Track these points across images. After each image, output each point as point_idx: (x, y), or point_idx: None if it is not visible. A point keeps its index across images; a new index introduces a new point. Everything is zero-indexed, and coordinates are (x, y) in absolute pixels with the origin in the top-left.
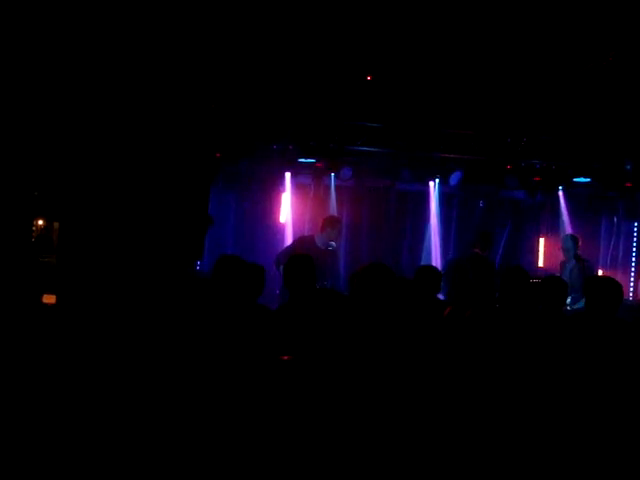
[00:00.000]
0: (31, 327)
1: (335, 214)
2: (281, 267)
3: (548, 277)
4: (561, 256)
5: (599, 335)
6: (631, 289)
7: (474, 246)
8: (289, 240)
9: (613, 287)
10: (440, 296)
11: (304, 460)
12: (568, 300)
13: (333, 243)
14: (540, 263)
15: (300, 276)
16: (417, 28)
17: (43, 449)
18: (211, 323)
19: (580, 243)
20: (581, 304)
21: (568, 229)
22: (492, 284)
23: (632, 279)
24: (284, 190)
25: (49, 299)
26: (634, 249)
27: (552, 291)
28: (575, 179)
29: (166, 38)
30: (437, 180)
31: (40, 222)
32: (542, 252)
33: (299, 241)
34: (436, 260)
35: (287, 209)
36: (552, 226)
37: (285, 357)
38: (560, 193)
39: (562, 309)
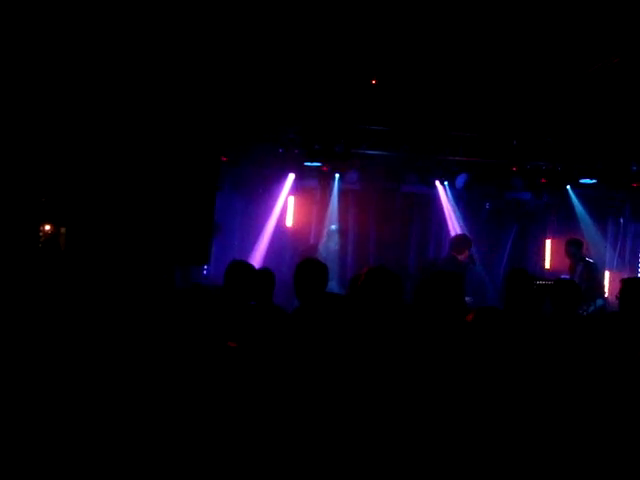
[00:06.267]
0: (40, 330)
1: (336, 218)
2: None
3: (560, 280)
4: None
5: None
6: None
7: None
8: (295, 243)
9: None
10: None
11: (311, 462)
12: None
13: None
14: (547, 265)
15: (310, 281)
16: (422, 32)
17: (46, 449)
18: (223, 327)
19: (584, 246)
20: (594, 306)
21: (581, 226)
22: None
23: None
24: (290, 193)
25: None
26: None
27: (565, 294)
28: (581, 180)
29: (173, 45)
30: (445, 182)
31: (47, 227)
32: (549, 254)
33: (303, 252)
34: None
35: (292, 212)
36: (559, 227)
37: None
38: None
39: (576, 312)
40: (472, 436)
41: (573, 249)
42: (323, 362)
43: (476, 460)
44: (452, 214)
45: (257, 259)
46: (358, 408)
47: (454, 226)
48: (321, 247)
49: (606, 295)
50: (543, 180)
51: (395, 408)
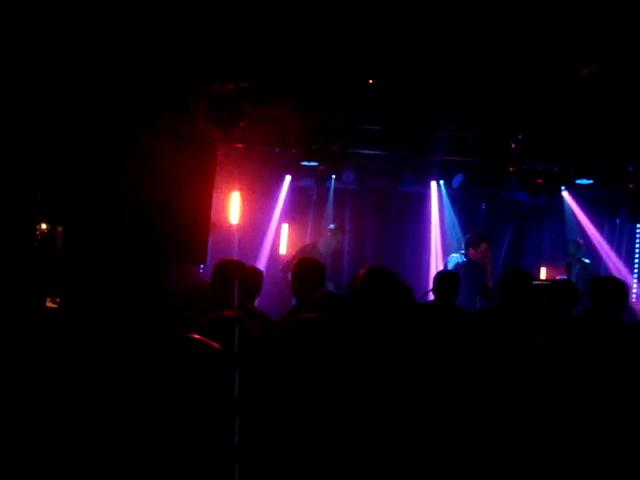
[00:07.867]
0: (34, 331)
1: (331, 218)
2: (289, 274)
3: (558, 281)
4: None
5: (606, 337)
6: (634, 291)
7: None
8: (291, 243)
9: (618, 287)
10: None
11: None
12: None
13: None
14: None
15: (308, 280)
16: (419, 32)
17: (45, 453)
18: (214, 327)
19: (583, 247)
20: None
21: (577, 229)
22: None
23: (635, 281)
24: (286, 193)
25: (53, 303)
26: (637, 251)
27: (563, 295)
28: (577, 181)
29: (170, 45)
30: (440, 182)
31: (43, 226)
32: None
33: (302, 250)
34: (437, 262)
35: (288, 212)
36: (555, 228)
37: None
38: (566, 194)
39: (572, 313)
40: (473, 435)
41: (572, 249)
42: (321, 361)
43: (477, 459)
44: (437, 216)
45: (254, 258)
46: (358, 406)
47: (436, 226)
48: (321, 246)
49: None
50: (539, 180)
51: (396, 407)
